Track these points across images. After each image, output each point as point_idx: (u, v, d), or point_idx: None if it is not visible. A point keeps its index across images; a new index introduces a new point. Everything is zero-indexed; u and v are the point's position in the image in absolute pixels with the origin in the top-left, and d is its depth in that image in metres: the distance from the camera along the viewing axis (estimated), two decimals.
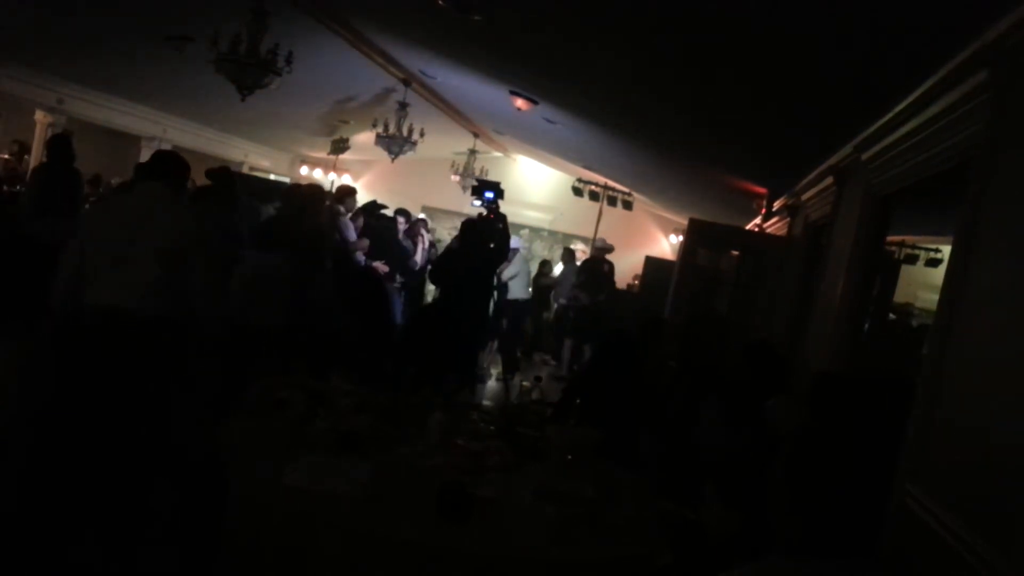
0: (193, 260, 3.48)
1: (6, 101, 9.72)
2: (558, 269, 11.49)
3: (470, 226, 6.14)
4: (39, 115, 10.09)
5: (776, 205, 6.88)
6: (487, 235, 6.12)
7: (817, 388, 2.93)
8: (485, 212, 6.17)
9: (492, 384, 8.23)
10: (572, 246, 12.01)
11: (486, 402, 6.64)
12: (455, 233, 11.84)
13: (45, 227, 5.19)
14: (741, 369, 3.73)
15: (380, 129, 9.15)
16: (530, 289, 10.31)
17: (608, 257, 10.26)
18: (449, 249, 7.23)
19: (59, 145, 6.25)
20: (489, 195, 6.21)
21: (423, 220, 9.21)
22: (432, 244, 9.15)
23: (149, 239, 3.41)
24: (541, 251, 13.95)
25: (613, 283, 10.24)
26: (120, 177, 7.51)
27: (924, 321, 5.18)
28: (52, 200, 5.81)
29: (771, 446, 1.76)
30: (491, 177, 11.17)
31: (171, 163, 3.75)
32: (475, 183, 6.55)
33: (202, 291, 3.52)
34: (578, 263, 10.57)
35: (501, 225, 6.13)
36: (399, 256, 7.81)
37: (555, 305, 10.85)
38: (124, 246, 3.41)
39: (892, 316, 5.26)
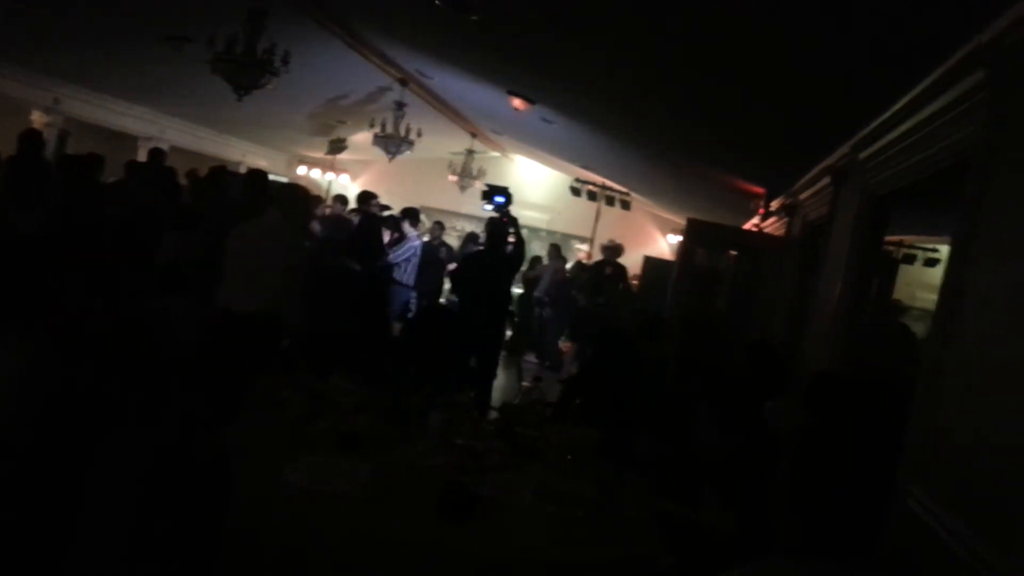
0: (281, 273, 4.29)
1: (2, 101, 9.68)
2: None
3: (495, 227, 6.06)
4: (36, 115, 10.04)
5: (774, 205, 6.88)
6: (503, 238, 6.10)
7: (816, 388, 2.93)
8: (497, 216, 6.16)
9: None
10: (578, 247, 11.97)
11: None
12: (455, 232, 11.70)
13: (27, 220, 5.17)
14: (741, 368, 3.73)
15: (378, 129, 9.14)
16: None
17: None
18: (472, 256, 7.18)
19: (29, 139, 6.26)
20: (499, 199, 6.19)
21: (438, 222, 9.18)
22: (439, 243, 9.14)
23: (261, 257, 4.29)
24: (539, 251, 13.95)
25: (615, 286, 10.20)
26: (115, 176, 7.47)
27: (926, 321, 5.18)
28: (22, 193, 5.79)
29: (771, 447, 1.76)
30: (489, 178, 11.18)
31: (293, 196, 4.66)
32: (485, 188, 6.54)
33: (289, 299, 4.32)
34: (568, 261, 10.54)
35: (513, 229, 6.11)
36: (364, 246, 7.69)
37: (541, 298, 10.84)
38: (244, 261, 4.34)
39: (891, 315, 5.26)
